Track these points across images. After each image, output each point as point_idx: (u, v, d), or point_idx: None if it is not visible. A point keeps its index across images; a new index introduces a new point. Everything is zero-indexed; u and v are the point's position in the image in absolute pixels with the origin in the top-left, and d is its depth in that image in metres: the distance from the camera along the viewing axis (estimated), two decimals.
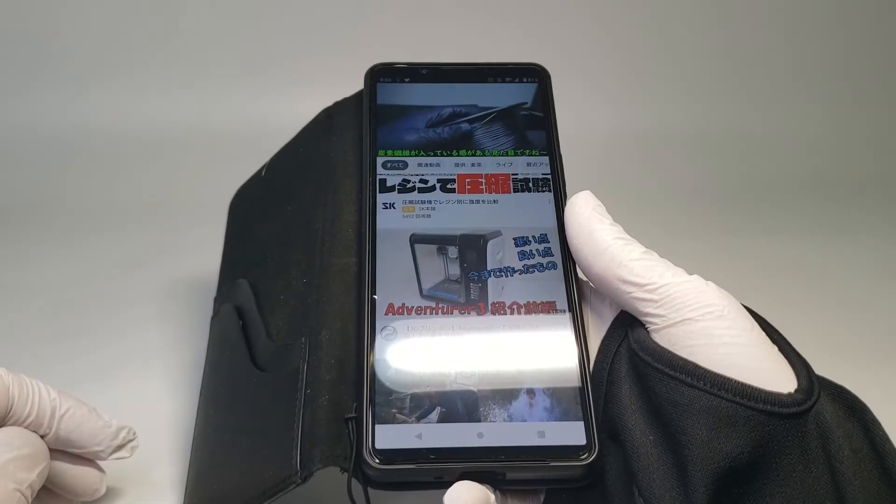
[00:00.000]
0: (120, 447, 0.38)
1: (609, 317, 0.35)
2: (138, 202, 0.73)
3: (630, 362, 0.33)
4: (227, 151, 0.80)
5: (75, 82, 0.82)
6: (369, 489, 0.33)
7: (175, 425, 0.47)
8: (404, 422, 0.32)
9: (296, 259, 0.40)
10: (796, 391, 0.29)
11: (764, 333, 0.31)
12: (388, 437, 0.32)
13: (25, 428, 0.35)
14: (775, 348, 0.31)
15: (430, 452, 0.32)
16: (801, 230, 0.75)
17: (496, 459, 0.32)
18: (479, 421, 0.33)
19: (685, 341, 0.31)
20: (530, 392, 0.33)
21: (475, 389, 0.33)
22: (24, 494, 0.33)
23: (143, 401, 0.49)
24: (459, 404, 0.33)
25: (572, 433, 0.32)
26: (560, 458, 0.32)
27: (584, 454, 0.32)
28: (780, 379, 0.30)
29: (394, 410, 0.32)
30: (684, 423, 0.30)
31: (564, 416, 0.33)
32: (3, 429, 0.35)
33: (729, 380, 0.30)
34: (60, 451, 0.37)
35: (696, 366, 0.30)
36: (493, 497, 0.32)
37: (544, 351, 0.34)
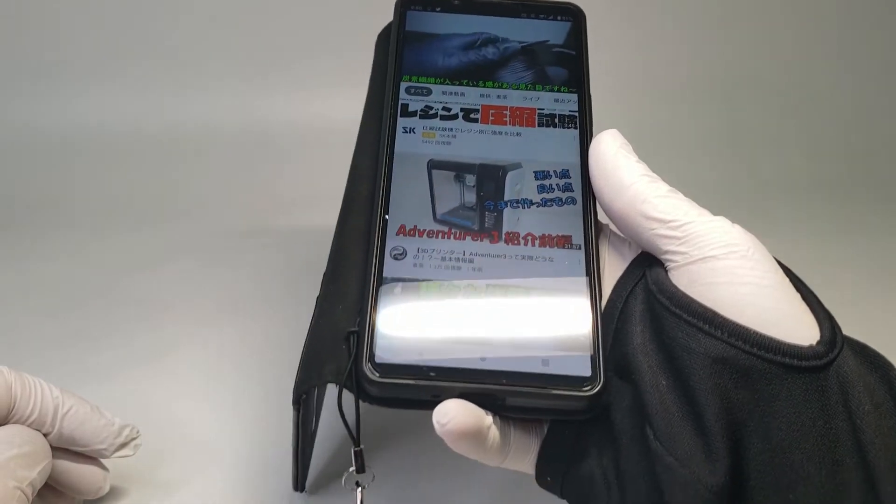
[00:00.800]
0: (123, 445, 0.38)
1: (627, 259, 0.34)
2: (139, 202, 0.73)
3: (646, 304, 0.32)
4: (228, 151, 0.80)
5: (76, 82, 0.82)
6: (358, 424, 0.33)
7: (178, 424, 0.47)
8: (407, 338, 0.32)
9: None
10: (818, 343, 0.28)
11: (788, 280, 0.30)
12: (389, 351, 0.32)
13: (28, 426, 0.35)
14: (799, 296, 0.30)
15: (430, 370, 0.31)
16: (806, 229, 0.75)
17: (496, 382, 0.31)
18: (484, 339, 0.32)
19: (706, 278, 0.30)
20: (539, 317, 0.33)
21: (481, 314, 0.33)
22: (24, 492, 0.33)
23: (146, 400, 0.49)
24: (465, 322, 0.33)
25: (577, 364, 0.32)
26: (562, 388, 0.31)
27: (587, 386, 0.31)
28: (801, 327, 0.29)
29: (397, 325, 0.32)
30: (699, 371, 0.29)
31: (570, 348, 0.32)
32: (5, 427, 0.35)
33: (748, 330, 0.29)
34: (63, 449, 0.37)
35: (714, 313, 0.29)
36: (488, 420, 0.31)
37: (555, 282, 0.34)
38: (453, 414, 0.30)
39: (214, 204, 0.74)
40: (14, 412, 0.35)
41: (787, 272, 0.31)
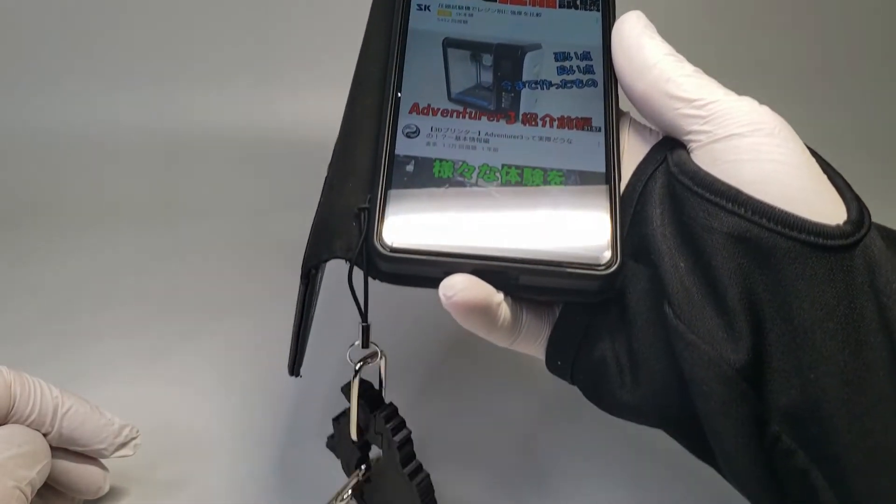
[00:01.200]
0: (123, 445, 0.38)
1: (648, 145, 0.33)
2: (139, 202, 0.73)
3: (666, 187, 0.31)
4: (229, 152, 0.80)
5: (75, 83, 0.82)
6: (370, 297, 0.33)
7: (178, 424, 0.47)
8: (419, 215, 0.31)
9: None
10: (845, 223, 0.28)
11: (815, 161, 0.29)
12: (400, 227, 0.31)
13: (28, 426, 0.35)
14: (825, 177, 0.29)
15: (441, 245, 0.30)
16: None
17: (510, 259, 0.30)
18: (497, 221, 0.31)
19: (729, 156, 0.29)
20: (554, 200, 0.32)
21: (496, 192, 0.32)
22: (23, 492, 0.33)
23: (146, 399, 0.49)
24: (478, 204, 0.32)
25: (594, 243, 0.31)
26: (578, 266, 0.30)
27: (603, 265, 0.30)
28: (828, 207, 0.28)
29: (409, 203, 0.31)
30: (722, 251, 0.28)
31: (587, 228, 0.31)
32: (5, 427, 0.35)
33: (772, 207, 0.28)
34: (63, 449, 0.37)
35: (738, 191, 0.28)
36: (498, 297, 0.31)
37: (572, 162, 0.33)
38: (461, 286, 0.30)
39: (214, 204, 0.74)
40: (13, 412, 0.35)
41: (814, 154, 0.30)
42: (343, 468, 0.42)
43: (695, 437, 0.31)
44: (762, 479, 0.29)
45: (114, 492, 0.42)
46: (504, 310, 0.31)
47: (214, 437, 0.46)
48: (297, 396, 0.49)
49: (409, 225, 0.31)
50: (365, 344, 0.34)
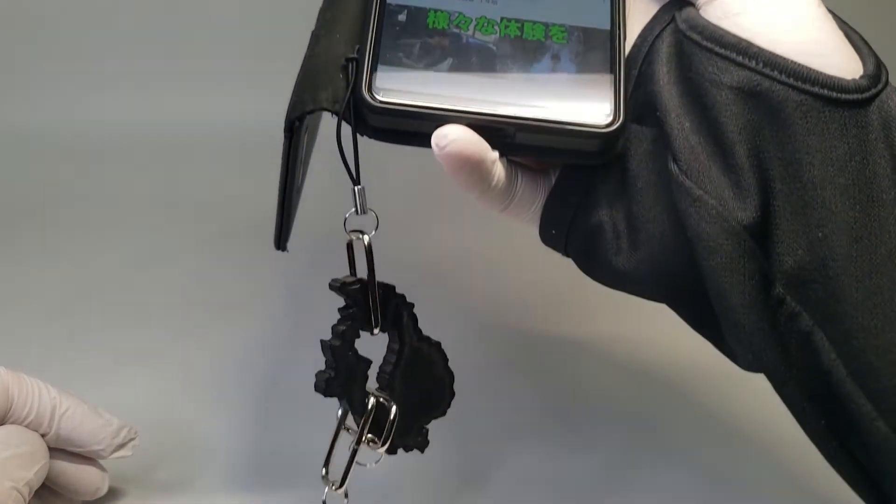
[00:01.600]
0: (121, 446, 0.38)
1: (656, 5, 0.32)
2: (138, 202, 0.73)
3: (674, 45, 0.30)
4: (228, 151, 0.80)
5: (74, 83, 0.82)
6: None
7: (176, 425, 0.47)
8: (411, 67, 0.30)
9: None
10: (861, 77, 0.27)
11: (830, 15, 0.28)
12: (392, 78, 0.29)
13: (25, 427, 0.35)
14: (842, 33, 0.28)
15: (434, 97, 0.29)
16: None
17: (507, 114, 0.29)
18: (494, 77, 0.30)
19: (739, 7, 0.28)
20: (555, 56, 0.31)
21: (493, 46, 0.30)
22: (20, 492, 0.33)
23: (144, 401, 0.49)
24: (474, 58, 0.30)
25: (596, 101, 0.30)
26: (578, 124, 0.29)
27: (604, 123, 0.29)
28: (843, 61, 0.27)
29: (400, 54, 0.30)
30: (731, 107, 0.28)
31: (590, 85, 0.30)
32: (2, 427, 0.35)
33: (784, 59, 0.27)
34: (61, 450, 0.37)
35: (749, 43, 0.28)
36: (493, 155, 0.29)
37: (576, 18, 0.31)
38: (454, 136, 0.28)
39: (213, 204, 0.74)
40: (11, 413, 0.35)
41: (831, 12, 0.29)
42: (345, 405, 0.36)
43: (689, 302, 0.30)
44: (767, 333, 0.28)
45: (112, 493, 0.42)
46: (499, 169, 0.30)
47: (213, 438, 0.46)
48: (298, 396, 0.49)
49: (400, 76, 0.29)
50: (361, 209, 0.32)
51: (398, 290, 0.35)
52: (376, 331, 0.35)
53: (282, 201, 0.35)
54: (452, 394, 0.37)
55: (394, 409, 0.35)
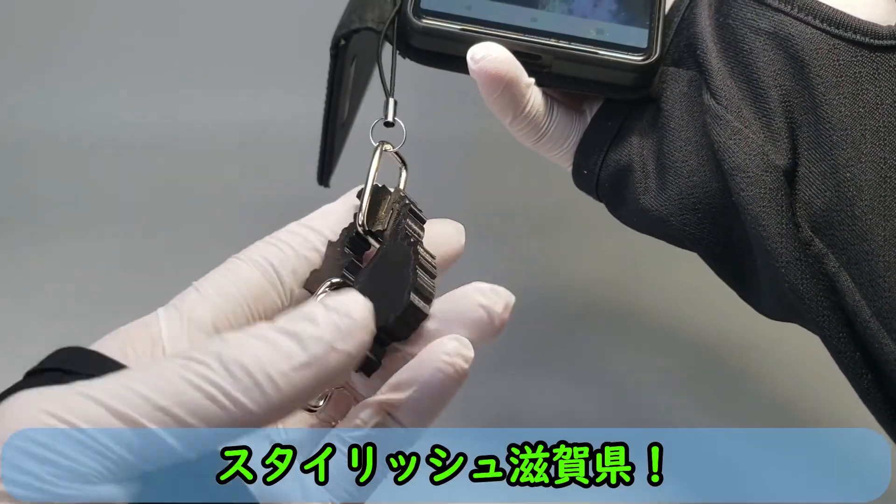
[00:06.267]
0: None
1: None
2: (139, 202, 0.73)
3: None
4: (228, 151, 0.80)
5: (74, 83, 0.82)
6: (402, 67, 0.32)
7: None
8: None
9: None
10: None
11: None
12: (437, 2, 0.31)
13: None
14: None
15: (476, 21, 0.30)
16: None
17: (545, 42, 0.30)
18: (536, 8, 0.31)
19: None
20: None
21: None
22: None
23: None
24: None
25: (634, 35, 0.31)
26: (614, 54, 0.30)
27: (641, 55, 0.30)
28: (879, 10, 0.28)
29: None
30: (768, 52, 0.28)
31: (629, 22, 0.31)
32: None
33: (819, 4, 0.28)
34: None
35: None
36: (528, 80, 0.30)
37: None
38: (489, 52, 0.29)
39: (214, 204, 0.74)
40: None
41: None
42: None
43: (714, 242, 0.31)
44: (802, 263, 0.28)
45: None
46: (534, 94, 0.31)
47: None
48: None
49: (445, 1, 0.31)
50: (390, 122, 0.32)
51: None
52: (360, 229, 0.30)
53: (325, 131, 0.36)
54: (408, 304, 0.27)
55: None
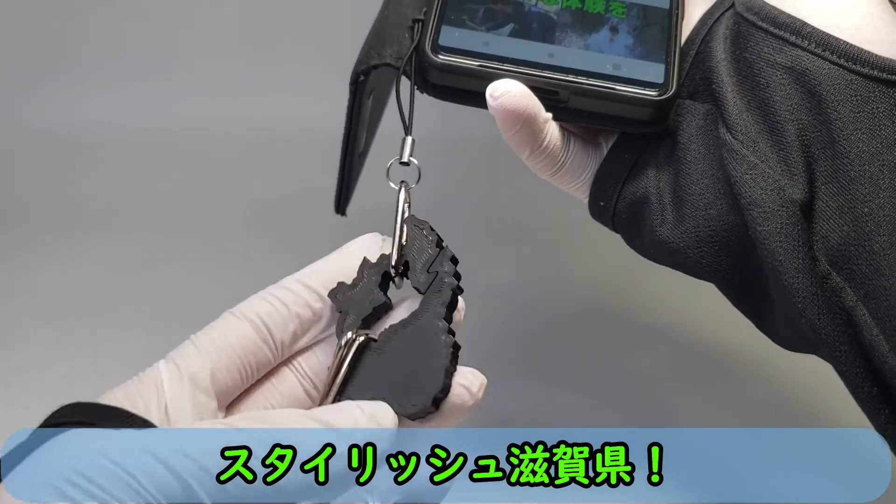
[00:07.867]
0: None
1: None
2: (140, 202, 0.73)
3: (732, 27, 0.31)
4: (229, 152, 0.80)
5: (75, 83, 0.82)
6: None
7: None
8: (474, 29, 0.31)
9: None
10: None
11: (892, 5, 0.29)
12: (454, 37, 0.31)
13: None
14: None
15: (493, 59, 0.30)
16: None
17: (563, 78, 0.30)
18: (553, 43, 0.31)
19: None
20: (613, 29, 0.32)
21: (554, 15, 0.32)
22: None
23: None
24: (535, 24, 0.32)
25: (650, 70, 0.31)
26: (631, 90, 0.30)
27: (657, 91, 0.30)
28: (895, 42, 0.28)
29: (464, 17, 0.31)
30: (785, 87, 0.28)
31: (645, 57, 0.31)
32: None
33: (836, 40, 0.28)
34: None
35: (802, 23, 0.28)
36: (546, 115, 0.31)
37: None
38: (508, 89, 0.30)
39: (214, 204, 0.74)
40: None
41: None
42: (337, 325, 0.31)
43: (731, 273, 0.31)
44: (819, 298, 0.28)
45: None
46: (551, 130, 0.31)
47: None
48: None
49: (463, 37, 0.31)
50: (405, 162, 0.31)
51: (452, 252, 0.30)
52: (396, 279, 0.31)
53: (344, 162, 0.36)
54: (431, 400, 0.27)
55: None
